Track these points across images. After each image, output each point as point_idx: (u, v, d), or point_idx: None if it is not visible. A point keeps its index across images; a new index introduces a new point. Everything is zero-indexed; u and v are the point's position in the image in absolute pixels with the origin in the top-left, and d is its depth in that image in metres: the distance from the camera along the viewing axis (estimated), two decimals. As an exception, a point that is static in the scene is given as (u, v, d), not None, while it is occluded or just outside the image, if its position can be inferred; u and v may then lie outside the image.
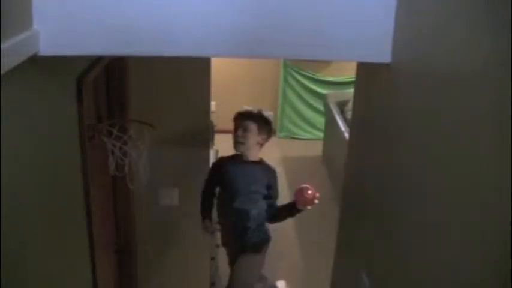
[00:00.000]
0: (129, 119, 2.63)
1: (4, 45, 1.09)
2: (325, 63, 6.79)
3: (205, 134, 2.97)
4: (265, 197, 2.75)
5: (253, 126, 2.63)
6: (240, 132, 2.63)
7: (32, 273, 1.45)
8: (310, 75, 6.91)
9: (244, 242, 2.76)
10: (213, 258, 3.50)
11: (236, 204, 2.66)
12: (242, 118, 2.66)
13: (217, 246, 4.03)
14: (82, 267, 1.95)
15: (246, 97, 6.92)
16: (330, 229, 4.81)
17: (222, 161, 2.81)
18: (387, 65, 1.47)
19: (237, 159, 2.72)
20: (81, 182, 1.89)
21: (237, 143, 2.65)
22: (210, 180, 2.81)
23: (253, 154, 2.70)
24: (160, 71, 2.76)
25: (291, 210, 2.76)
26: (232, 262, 2.85)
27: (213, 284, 3.49)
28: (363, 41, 1.44)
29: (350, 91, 4.88)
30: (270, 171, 2.78)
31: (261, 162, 2.76)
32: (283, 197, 5.56)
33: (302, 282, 4.33)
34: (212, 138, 4.09)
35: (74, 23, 1.36)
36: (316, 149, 6.56)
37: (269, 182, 2.75)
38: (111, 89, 2.54)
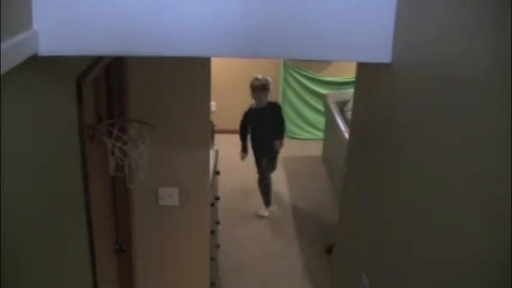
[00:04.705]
0: (129, 119, 2.63)
1: (4, 45, 1.09)
2: (325, 63, 6.78)
3: (205, 134, 2.96)
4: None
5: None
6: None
7: (32, 273, 1.45)
8: (310, 75, 6.91)
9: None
10: (213, 259, 3.50)
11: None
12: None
13: (218, 246, 4.03)
14: (82, 267, 1.95)
15: (246, 97, 6.90)
16: (330, 229, 4.82)
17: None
18: (387, 65, 1.47)
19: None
20: (81, 182, 1.89)
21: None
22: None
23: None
24: (160, 71, 2.75)
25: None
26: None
27: (213, 284, 3.49)
28: (363, 41, 1.44)
29: (350, 91, 4.88)
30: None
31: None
32: (283, 196, 5.58)
33: (302, 283, 4.33)
34: (212, 138, 4.09)
35: (74, 23, 1.36)
36: (316, 149, 6.56)
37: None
38: (111, 89, 2.54)
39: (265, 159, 4.97)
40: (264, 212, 5.18)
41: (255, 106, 4.86)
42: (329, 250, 4.55)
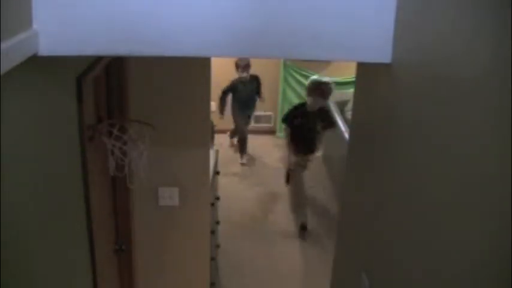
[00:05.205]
0: (129, 119, 2.63)
1: (4, 45, 1.09)
2: (325, 63, 6.78)
3: (205, 134, 2.96)
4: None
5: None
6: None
7: (32, 273, 1.45)
8: (310, 75, 6.90)
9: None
10: (213, 259, 3.50)
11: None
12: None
13: (218, 246, 4.03)
14: (82, 267, 1.96)
15: (246, 97, 6.92)
16: (330, 229, 4.82)
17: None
18: (387, 65, 1.47)
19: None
20: (81, 182, 1.89)
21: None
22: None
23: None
24: (160, 71, 2.75)
25: None
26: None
27: (213, 284, 3.49)
28: (363, 41, 1.44)
29: (350, 91, 4.88)
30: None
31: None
32: (283, 196, 5.57)
33: (302, 283, 4.33)
34: (212, 138, 4.09)
35: (74, 23, 1.36)
36: (316, 149, 6.55)
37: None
38: (111, 89, 2.54)
39: (244, 120, 6.46)
40: (242, 160, 6.50)
41: (240, 79, 6.26)
42: (302, 228, 4.99)
